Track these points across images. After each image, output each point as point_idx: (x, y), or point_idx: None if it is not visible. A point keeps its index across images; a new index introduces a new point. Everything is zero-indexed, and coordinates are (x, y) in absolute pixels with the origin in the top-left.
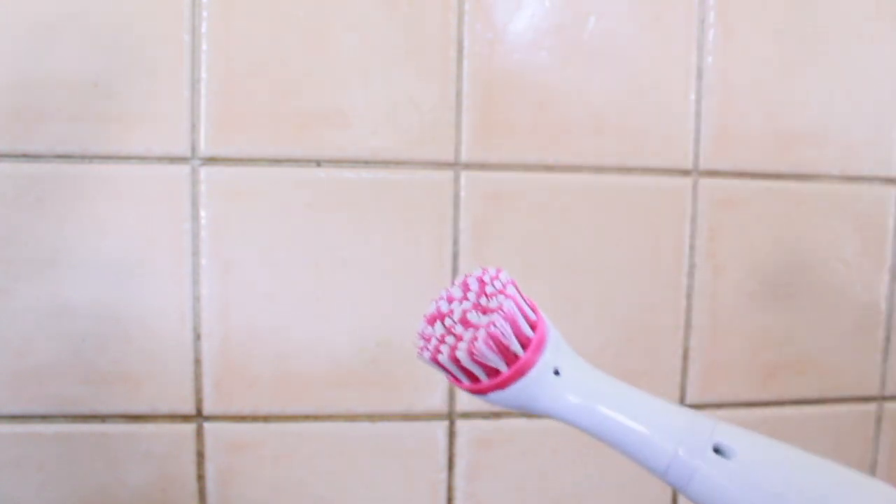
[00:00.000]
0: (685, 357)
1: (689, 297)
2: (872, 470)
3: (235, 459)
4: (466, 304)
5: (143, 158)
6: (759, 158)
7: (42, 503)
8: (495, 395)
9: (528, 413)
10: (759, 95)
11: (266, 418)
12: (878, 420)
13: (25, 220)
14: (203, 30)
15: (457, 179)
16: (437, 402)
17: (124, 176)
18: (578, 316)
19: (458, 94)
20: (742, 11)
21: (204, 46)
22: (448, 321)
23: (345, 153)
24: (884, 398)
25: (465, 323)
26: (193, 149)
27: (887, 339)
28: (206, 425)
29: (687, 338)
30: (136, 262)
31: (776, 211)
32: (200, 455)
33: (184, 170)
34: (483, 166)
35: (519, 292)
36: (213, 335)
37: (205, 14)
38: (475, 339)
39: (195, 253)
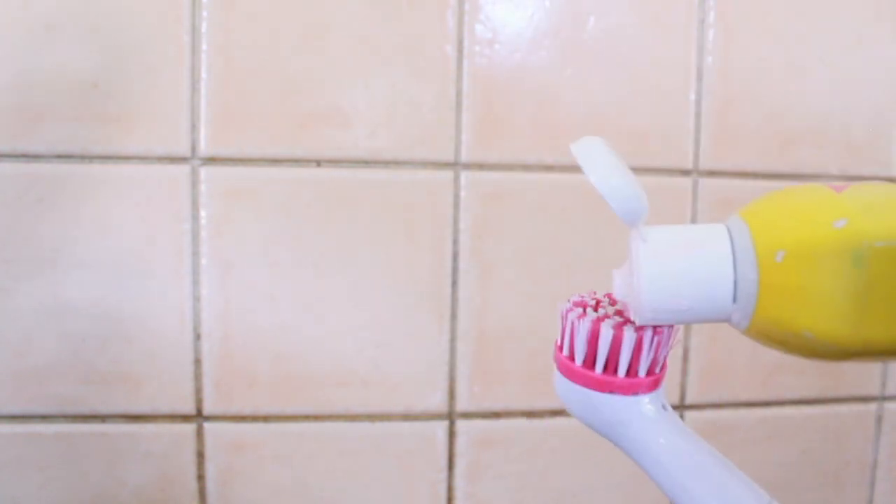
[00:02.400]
0: (685, 357)
1: None
2: (872, 470)
3: (235, 459)
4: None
5: (143, 158)
6: (759, 158)
7: (42, 503)
8: (609, 397)
9: (608, 438)
10: (759, 95)
11: (266, 418)
12: (878, 420)
13: (25, 220)
14: (203, 30)
15: (457, 179)
16: (437, 402)
17: (124, 176)
18: None
19: (458, 93)
20: (742, 11)
21: (204, 46)
22: (602, 311)
23: (345, 153)
24: (884, 398)
25: (622, 317)
26: (193, 149)
27: None
28: (206, 425)
29: (687, 338)
30: (136, 262)
31: None
32: (200, 455)
33: (184, 170)
34: (483, 166)
35: None
36: (213, 335)
37: (205, 14)
38: (646, 328)
39: (195, 253)
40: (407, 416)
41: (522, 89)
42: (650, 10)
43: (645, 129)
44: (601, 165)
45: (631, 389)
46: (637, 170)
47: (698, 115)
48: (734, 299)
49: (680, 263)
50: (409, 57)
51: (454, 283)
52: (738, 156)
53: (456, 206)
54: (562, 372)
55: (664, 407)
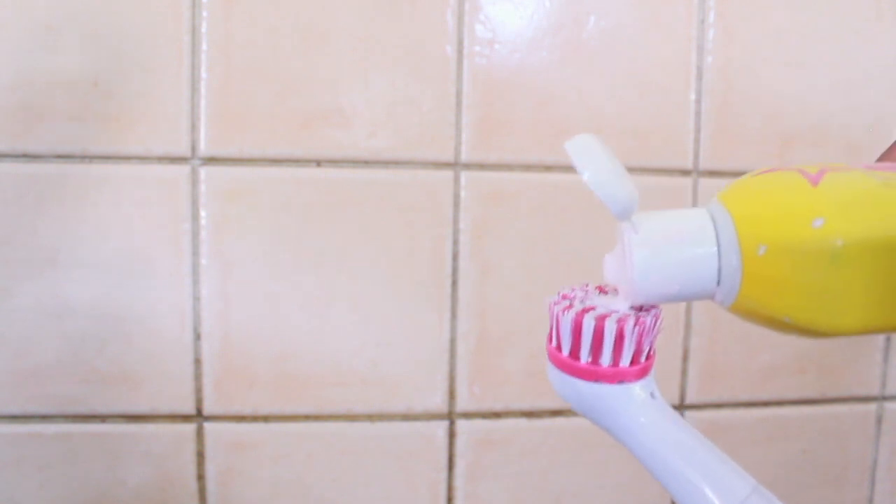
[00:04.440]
0: (685, 357)
1: None
2: (872, 470)
3: (235, 459)
4: (609, 298)
5: (143, 158)
6: (759, 158)
7: (42, 503)
8: (595, 386)
9: (599, 425)
10: (759, 95)
11: (266, 418)
12: (879, 420)
13: (25, 220)
14: (203, 30)
15: (457, 179)
16: (437, 402)
17: (124, 176)
18: None
19: (458, 93)
20: (742, 11)
21: (204, 46)
22: (588, 303)
23: (345, 153)
24: (884, 398)
25: (606, 308)
26: (193, 149)
27: (887, 338)
28: (206, 425)
29: (687, 338)
30: (136, 262)
31: None
32: (200, 455)
33: (184, 170)
34: (483, 166)
35: None
36: (213, 335)
37: (205, 14)
38: (625, 319)
39: (195, 253)
40: (407, 416)
41: (522, 89)
42: (650, 10)
43: (645, 129)
44: (593, 162)
45: (616, 378)
46: (637, 170)
47: (698, 115)
48: (718, 283)
49: (669, 252)
50: (409, 57)
51: (454, 283)
52: (738, 156)
53: (456, 206)
54: (552, 362)
55: (653, 395)
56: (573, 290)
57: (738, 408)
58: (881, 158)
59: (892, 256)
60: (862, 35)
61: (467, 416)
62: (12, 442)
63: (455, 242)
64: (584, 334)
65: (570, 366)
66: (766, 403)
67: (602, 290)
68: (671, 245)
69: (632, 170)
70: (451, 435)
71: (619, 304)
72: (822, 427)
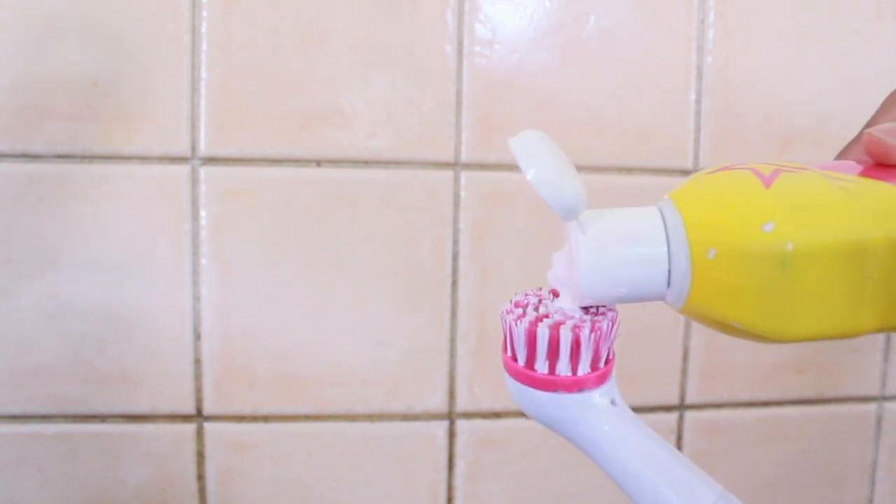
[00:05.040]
0: (685, 357)
1: None
2: (872, 470)
3: (235, 459)
4: (562, 303)
5: (143, 158)
6: (760, 158)
7: (42, 503)
8: (554, 396)
9: (559, 432)
10: (759, 95)
11: (266, 418)
12: (878, 420)
13: (25, 220)
14: (203, 30)
15: (457, 179)
16: (437, 402)
17: (124, 176)
18: None
19: (458, 93)
20: (742, 11)
21: (204, 46)
22: (542, 309)
23: (345, 153)
24: (884, 398)
25: (561, 314)
26: (193, 149)
27: (887, 338)
28: (206, 425)
29: (687, 338)
30: (136, 262)
31: None
32: (200, 455)
33: (184, 170)
34: (483, 166)
35: None
36: (213, 335)
37: (205, 14)
38: (581, 325)
39: (195, 253)
40: (407, 416)
41: (522, 89)
42: (650, 10)
43: (645, 129)
44: (537, 161)
45: (575, 387)
46: (637, 170)
47: (698, 115)
48: (668, 285)
49: (617, 254)
50: (409, 57)
51: (454, 283)
52: (739, 156)
53: (456, 206)
54: (509, 373)
55: (614, 402)
56: (526, 295)
57: (738, 408)
58: (840, 155)
59: (842, 262)
60: (862, 35)
61: (467, 416)
62: (12, 442)
63: (455, 242)
64: (538, 344)
65: (527, 376)
66: (766, 403)
67: (556, 294)
68: (619, 246)
69: (632, 170)
70: (451, 435)
71: (575, 309)
72: (821, 427)
